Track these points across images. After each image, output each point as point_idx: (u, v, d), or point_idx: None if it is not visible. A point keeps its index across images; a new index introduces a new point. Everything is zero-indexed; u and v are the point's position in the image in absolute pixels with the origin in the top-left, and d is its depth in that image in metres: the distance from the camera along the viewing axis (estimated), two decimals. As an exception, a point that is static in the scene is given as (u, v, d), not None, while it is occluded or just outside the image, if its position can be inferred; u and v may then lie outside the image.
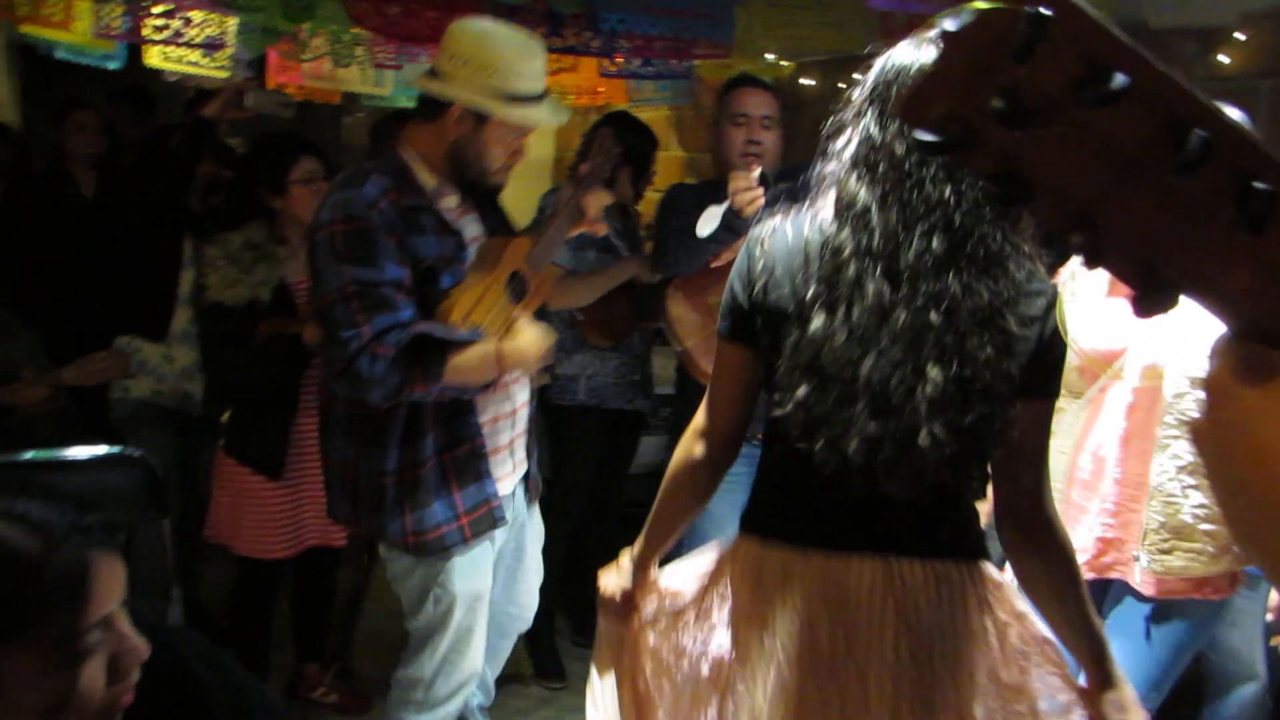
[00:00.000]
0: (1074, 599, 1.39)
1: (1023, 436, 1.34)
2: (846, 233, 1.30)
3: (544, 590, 2.50)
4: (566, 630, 3.41)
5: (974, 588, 1.38)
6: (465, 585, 2.15)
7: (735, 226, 2.39)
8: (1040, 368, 1.33)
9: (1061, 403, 1.94)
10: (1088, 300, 1.92)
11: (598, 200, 2.31)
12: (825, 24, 3.27)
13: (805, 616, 1.36)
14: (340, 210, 1.96)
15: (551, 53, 3.46)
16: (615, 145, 2.54)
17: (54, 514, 0.98)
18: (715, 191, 2.52)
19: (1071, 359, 1.88)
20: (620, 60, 3.97)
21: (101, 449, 1.84)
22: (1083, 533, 1.89)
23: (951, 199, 1.25)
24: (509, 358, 2.04)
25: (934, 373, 1.25)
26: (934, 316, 1.26)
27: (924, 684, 1.33)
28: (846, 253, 1.30)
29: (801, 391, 1.31)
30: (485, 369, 2.02)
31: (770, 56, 4.19)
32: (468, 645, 2.21)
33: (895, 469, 1.29)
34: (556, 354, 2.92)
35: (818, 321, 1.31)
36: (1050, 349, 1.34)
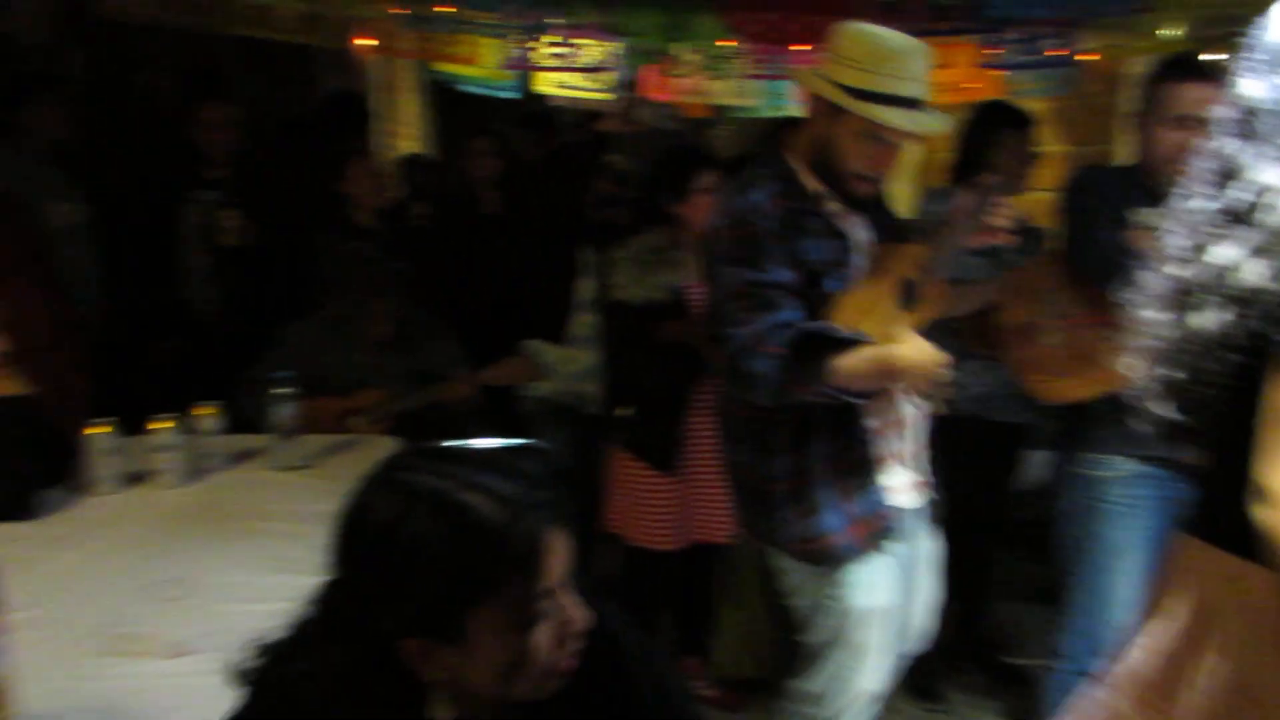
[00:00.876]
0: None
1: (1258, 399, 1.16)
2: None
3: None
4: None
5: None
6: (860, 599, 2.09)
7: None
8: None
9: None
10: None
11: (1005, 211, 2.08)
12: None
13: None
14: (731, 215, 2.02)
15: (930, 37, 3.32)
16: (1027, 154, 2.32)
17: (516, 488, 1.04)
18: (1133, 178, 2.25)
19: None
20: (999, 50, 3.76)
21: (512, 440, 1.99)
22: None
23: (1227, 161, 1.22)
24: (896, 365, 1.89)
25: (1195, 321, 1.23)
26: (1184, 270, 1.26)
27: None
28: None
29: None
30: (871, 375, 1.90)
31: (1166, 32, 3.79)
32: (862, 662, 2.13)
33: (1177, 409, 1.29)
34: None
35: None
36: None
